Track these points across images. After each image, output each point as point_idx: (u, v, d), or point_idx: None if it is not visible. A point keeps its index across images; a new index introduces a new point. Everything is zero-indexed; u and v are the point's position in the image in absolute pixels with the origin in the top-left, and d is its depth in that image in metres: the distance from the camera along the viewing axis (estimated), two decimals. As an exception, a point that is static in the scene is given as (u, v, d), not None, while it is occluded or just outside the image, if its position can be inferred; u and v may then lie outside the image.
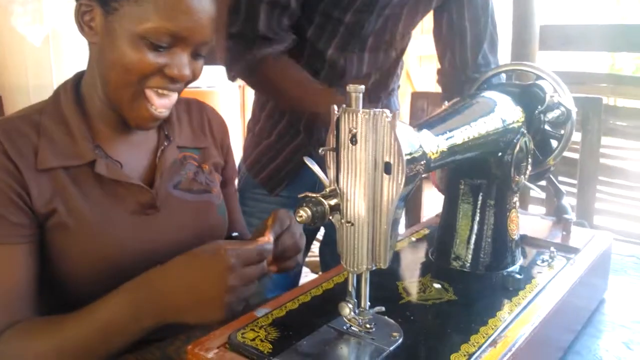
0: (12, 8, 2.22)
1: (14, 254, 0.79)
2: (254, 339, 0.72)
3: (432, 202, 1.51)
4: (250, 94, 3.73)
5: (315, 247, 1.74)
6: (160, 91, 0.82)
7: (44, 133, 0.83)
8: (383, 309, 0.74)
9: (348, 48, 1.24)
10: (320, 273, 3.05)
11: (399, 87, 1.50)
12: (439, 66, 1.40)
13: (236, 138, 3.25)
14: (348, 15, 1.19)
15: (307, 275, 2.96)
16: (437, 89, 1.59)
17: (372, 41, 1.26)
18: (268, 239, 0.81)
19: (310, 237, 1.53)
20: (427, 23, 1.43)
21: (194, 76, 0.85)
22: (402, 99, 3.65)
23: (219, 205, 0.99)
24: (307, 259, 1.66)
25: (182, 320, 0.75)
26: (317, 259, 1.73)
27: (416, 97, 1.60)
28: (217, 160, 1.03)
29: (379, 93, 1.38)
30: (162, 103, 0.84)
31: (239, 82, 3.79)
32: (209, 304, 0.73)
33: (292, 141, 1.33)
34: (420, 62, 4.98)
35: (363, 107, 0.66)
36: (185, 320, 0.75)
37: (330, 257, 1.57)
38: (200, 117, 1.03)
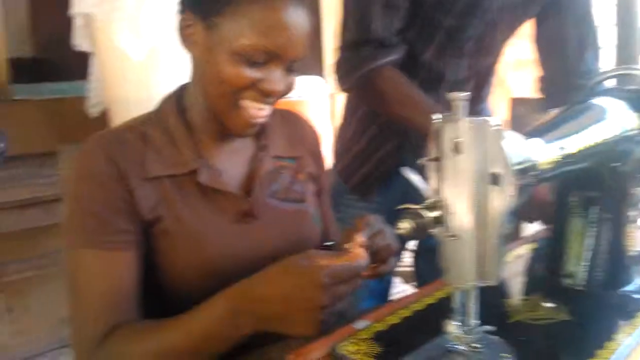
0: (114, 25, 2.34)
1: (120, 260, 0.82)
2: (355, 352, 0.71)
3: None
4: (339, 103, 3.75)
5: (406, 256, 1.70)
6: (254, 104, 0.83)
7: (150, 143, 0.86)
8: (492, 328, 0.70)
9: (446, 52, 1.22)
10: (411, 284, 3.00)
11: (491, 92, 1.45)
12: (539, 73, 1.34)
13: (327, 146, 3.27)
14: (448, 19, 1.17)
15: (398, 286, 2.91)
16: (535, 95, 1.51)
17: (471, 46, 1.22)
18: (362, 253, 0.79)
19: (401, 246, 1.50)
20: (523, 28, 1.37)
21: (288, 90, 0.86)
22: (497, 104, 3.52)
23: (314, 214, 0.99)
24: (398, 269, 1.63)
25: (276, 329, 0.74)
26: (409, 268, 1.69)
27: (516, 103, 1.53)
28: (312, 170, 1.03)
29: (475, 99, 1.34)
30: (256, 114, 0.85)
31: (329, 91, 3.80)
32: (302, 318, 0.71)
33: (384, 146, 1.31)
34: (516, 67, 4.80)
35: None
36: (279, 329, 0.74)
37: (425, 267, 1.53)
38: (295, 127, 1.04)
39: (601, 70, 1.27)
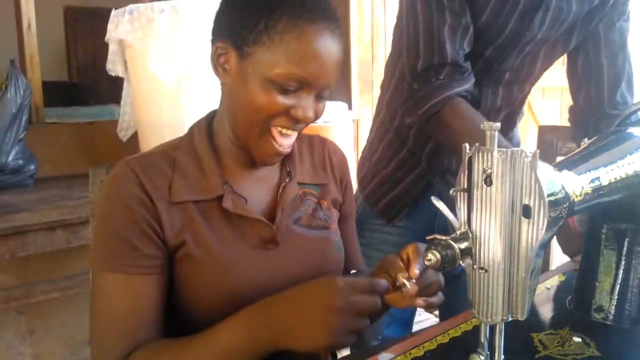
0: (148, 51, 2.40)
1: (145, 284, 0.82)
2: (378, 386, 0.70)
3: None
4: (364, 128, 3.76)
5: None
6: (284, 131, 0.85)
7: (178, 168, 0.87)
8: (519, 363, 0.68)
9: (484, 82, 1.22)
10: (432, 312, 2.96)
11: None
12: (572, 103, 1.33)
13: (351, 171, 3.27)
14: (489, 50, 1.17)
15: (420, 314, 2.87)
16: (563, 122, 1.50)
17: (508, 76, 1.23)
18: (413, 274, 0.78)
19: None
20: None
21: (316, 117, 0.87)
22: (525, 131, 3.49)
23: (337, 241, 0.99)
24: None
25: (293, 345, 0.73)
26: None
27: (544, 131, 1.51)
28: (336, 197, 1.03)
29: (506, 128, 1.33)
30: (284, 142, 0.86)
31: (353, 116, 3.81)
32: (316, 327, 0.71)
33: (412, 171, 1.31)
34: (543, 94, 4.78)
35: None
36: (295, 345, 0.73)
37: (452, 297, 1.50)
38: (322, 153, 1.05)
39: (634, 102, 1.26)
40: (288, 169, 0.97)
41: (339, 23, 0.84)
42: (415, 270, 0.79)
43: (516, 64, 1.21)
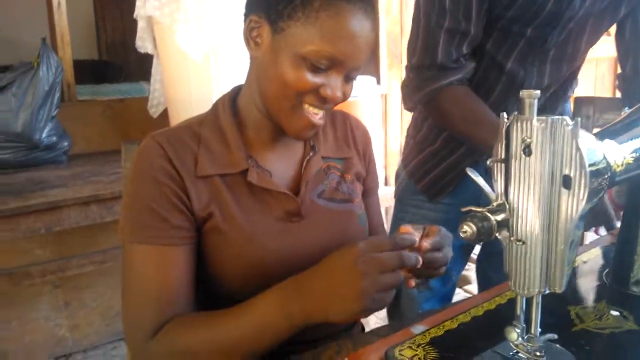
0: (176, 27, 2.40)
1: (175, 255, 0.83)
2: (412, 357, 0.70)
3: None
4: (392, 103, 3.72)
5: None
6: (312, 109, 0.84)
7: (204, 143, 0.88)
8: (555, 336, 0.67)
9: (528, 60, 1.20)
10: (464, 287, 2.95)
11: None
12: (620, 70, 1.29)
13: (378, 147, 3.24)
14: (530, 29, 1.15)
15: (458, 293, 2.86)
16: (598, 94, 1.46)
17: (554, 53, 1.20)
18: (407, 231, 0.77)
19: (470, 251, 1.47)
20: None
21: (345, 97, 0.87)
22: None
23: (360, 215, 0.99)
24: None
25: (327, 317, 0.73)
26: (463, 273, 1.66)
27: (580, 102, 1.47)
28: (359, 170, 1.03)
29: (557, 103, 1.32)
30: (314, 120, 0.86)
31: (382, 91, 3.77)
32: (346, 294, 0.71)
33: (459, 148, 1.30)
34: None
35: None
36: (329, 317, 0.73)
37: (492, 271, 1.49)
38: (344, 128, 1.05)
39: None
40: (312, 143, 0.97)
41: (373, 4, 0.84)
42: (425, 243, 0.78)
43: (560, 41, 1.18)
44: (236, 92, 0.95)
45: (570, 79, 1.32)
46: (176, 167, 0.84)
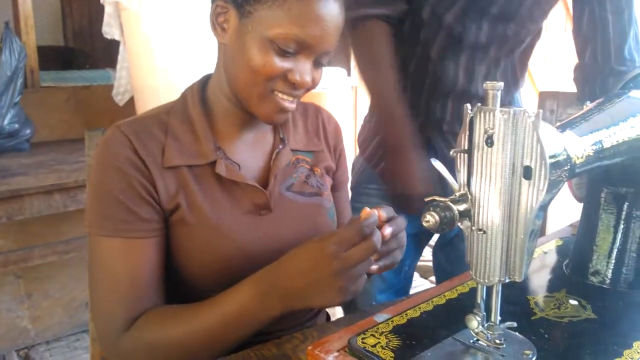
0: (143, 13, 2.36)
1: (144, 248, 0.82)
2: (374, 345, 0.70)
3: (561, 210, 1.41)
4: (363, 95, 3.73)
5: (426, 251, 1.68)
6: (282, 96, 0.84)
7: (171, 133, 0.86)
8: (515, 324, 0.69)
9: (468, 14, 1.19)
10: (429, 278, 2.98)
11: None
12: (577, 62, 1.30)
13: (349, 139, 3.25)
14: None
15: (416, 280, 2.90)
16: (564, 89, 1.48)
17: (495, 11, 1.19)
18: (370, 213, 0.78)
19: (424, 241, 1.48)
20: (552, 23, 1.33)
21: (314, 83, 0.86)
22: (524, 98, 3.47)
23: (329, 208, 0.99)
24: (417, 264, 1.62)
25: (307, 304, 0.76)
26: (427, 263, 1.67)
27: (544, 97, 1.50)
28: (329, 164, 1.03)
29: (509, 85, 1.31)
30: (285, 105, 0.85)
31: (352, 82, 3.77)
32: (323, 288, 0.73)
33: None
34: (544, 60, 4.74)
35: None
36: (310, 304, 0.76)
37: (447, 262, 1.51)
38: (316, 120, 1.04)
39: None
40: (281, 136, 0.96)
41: None
42: (385, 232, 0.78)
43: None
44: (205, 81, 0.93)
45: (521, 59, 1.31)
46: (142, 158, 0.82)
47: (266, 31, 0.79)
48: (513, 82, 1.32)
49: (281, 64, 0.80)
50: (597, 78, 1.26)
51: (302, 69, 0.82)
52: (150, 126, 0.86)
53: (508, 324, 0.69)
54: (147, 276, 0.82)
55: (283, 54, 0.80)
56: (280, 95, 0.83)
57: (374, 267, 0.81)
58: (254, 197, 0.88)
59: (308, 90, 0.86)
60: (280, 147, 0.95)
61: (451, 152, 0.66)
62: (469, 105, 0.65)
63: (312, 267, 0.74)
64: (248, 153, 0.92)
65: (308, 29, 0.79)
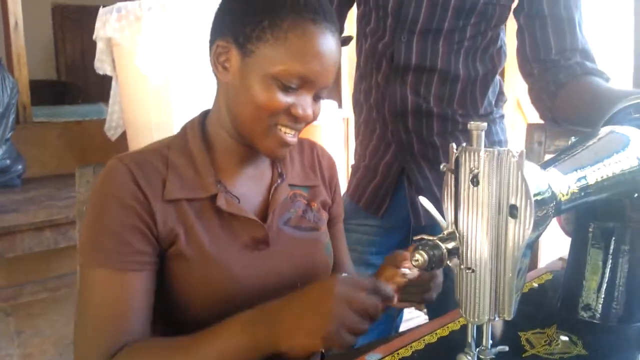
0: (136, 49, 2.38)
1: (134, 281, 0.81)
2: (366, 387, 0.69)
3: (551, 244, 1.41)
4: (353, 126, 3.76)
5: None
6: (286, 130, 0.85)
7: (172, 166, 0.87)
8: (506, 348, 0.69)
9: (396, 32, 1.25)
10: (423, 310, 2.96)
11: (502, 116, 1.43)
12: (523, 56, 1.28)
13: (341, 171, 3.26)
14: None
15: (410, 312, 2.87)
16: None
17: (420, 25, 1.23)
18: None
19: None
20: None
21: (314, 117, 0.88)
22: (512, 130, 3.51)
23: (326, 243, 0.99)
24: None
25: (291, 346, 0.73)
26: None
27: (532, 130, 1.51)
28: (325, 199, 1.03)
29: (466, 108, 1.30)
30: (288, 139, 0.87)
31: (344, 114, 3.79)
32: (314, 327, 0.71)
33: (384, 156, 1.35)
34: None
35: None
36: (293, 346, 0.72)
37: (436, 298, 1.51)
38: (311, 155, 1.05)
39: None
40: (279, 170, 0.97)
41: (337, 26, 0.87)
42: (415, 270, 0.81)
43: (422, 12, 1.21)
44: (204, 115, 0.95)
45: (483, 84, 1.30)
46: (143, 190, 0.83)
47: (269, 68, 0.81)
48: (472, 104, 1.31)
49: (284, 99, 0.82)
50: (545, 74, 1.23)
51: (304, 103, 0.84)
52: (152, 160, 0.87)
53: (500, 348, 0.69)
54: (134, 309, 0.81)
55: (286, 89, 0.82)
56: (283, 129, 0.85)
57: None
58: (252, 232, 0.88)
59: (308, 123, 0.88)
60: (279, 181, 0.96)
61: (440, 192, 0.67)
62: (454, 145, 0.66)
63: (311, 296, 0.73)
64: (248, 187, 0.93)
65: (309, 65, 0.81)
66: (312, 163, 1.04)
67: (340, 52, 0.86)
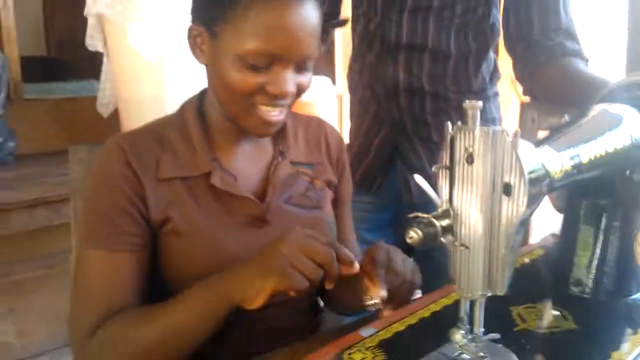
0: (127, 25, 2.36)
1: (125, 262, 0.83)
2: (361, 361, 0.71)
3: (542, 220, 1.43)
4: (347, 104, 3.75)
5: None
6: (266, 108, 0.84)
7: (167, 143, 0.88)
8: (498, 336, 0.70)
9: (392, 10, 1.25)
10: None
11: (497, 94, 1.43)
12: (508, 32, 1.30)
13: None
14: None
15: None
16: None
17: (411, 3, 1.23)
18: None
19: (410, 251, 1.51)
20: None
21: (301, 89, 0.85)
22: (506, 108, 3.51)
23: (329, 222, 0.98)
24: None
25: (242, 294, 0.76)
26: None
27: (525, 107, 1.52)
28: (330, 178, 1.02)
29: (459, 84, 1.30)
30: (270, 117, 0.85)
31: (337, 91, 3.79)
32: (259, 273, 0.75)
33: (378, 135, 1.36)
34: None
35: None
36: (244, 293, 0.76)
37: (427, 274, 1.53)
38: (318, 133, 1.04)
39: (614, 80, 1.24)
40: (281, 148, 0.96)
41: None
42: (382, 293, 0.81)
43: None
44: (202, 94, 0.94)
45: (476, 60, 1.30)
46: (135, 172, 0.83)
47: (234, 49, 0.79)
48: (465, 81, 1.31)
49: (255, 78, 0.80)
50: (525, 51, 1.24)
51: (279, 79, 0.81)
52: (147, 138, 0.87)
53: (491, 336, 0.70)
54: (125, 290, 0.83)
55: (255, 69, 0.80)
56: (264, 108, 0.83)
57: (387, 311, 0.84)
58: (249, 209, 0.89)
59: (298, 96, 0.86)
60: (279, 159, 0.95)
61: (433, 168, 0.68)
62: (449, 123, 0.66)
63: (269, 247, 0.76)
64: (246, 165, 0.93)
65: (275, 41, 0.79)
66: (317, 140, 1.03)
67: (315, 17, 0.82)
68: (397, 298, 0.85)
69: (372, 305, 0.82)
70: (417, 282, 0.88)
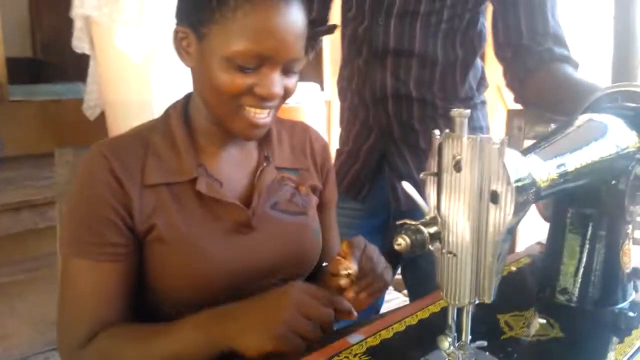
0: (115, 28, 2.34)
1: (110, 271, 0.82)
2: (347, 369, 0.71)
3: (529, 228, 1.44)
4: (336, 109, 3.76)
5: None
6: (254, 110, 0.83)
7: (152, 149, 0.87)
8: (485, 343, 0.70)
9: (378, 14, 1.25)
10: (403, 291, 3.00)
11: (484, 102, 1.44)
12: (496, 39, 1.30)
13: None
14: None
15: (390, 293, 2.90)
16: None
17: (398, 6, 1.23)
18: (350, 267, 0.84)
19: (397, 258, 1.50)
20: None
21: (287, 93, 0.85)
22: (493, 116, 3.54)
23: (314, 228, 0.98)
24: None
25: (241, 345, 0.75)
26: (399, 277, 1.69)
27: (512, 116, 1.53)
28: (315, 183, 1.02)
29: (446, 91, 1.30)
30: (257, 120, 0.84)
31: (326, 97, 3.80)
32: (263, 328, 0.75)
33: (366, 141, 1.36)
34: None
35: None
36: (243, 345, 0.75)
37: (414, 281, 1.53)
38: (303, 138, 1.03)
39: (602, 86, 1.25)
40: (266, 154, 0.96)
41: None
42: (354, 266, 0.84)
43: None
44: (187, 99, 0.94)
45: (463, 66, 1.30)
46: (120, 179, 0.82)
47: (222, 50, 0.79)
48: (452, 88, 1.31)
49: (243, 80, 0.80)
50: (514, 57, 1.25)
51: (267, 81, 0.81)
52: (131, 144, 0.86)
53: (478, 343, 0.70)
54: (111, 298, 0.83)
55: (243, 70, 0.80)
56: (251, 110, 0.83)
57: (355, 314, 0.84)
58: (235, 215, 0.88)
59: (284, 99, 0.86)
60: (265, 164, 0.95)
61: (421, 175, 0.68)
62: (437, 131, 0.66)
63: (269, 302, 0.77)
64: (232, 170, 0.92)
65: (264, 42, 0.78)
66: (302, 145, 1.02)
67: (302, 20, 0.82)
68: (366, 283, 0.86)
69: (345, 276, 0.84)
70: (388, 279, 0.90)
